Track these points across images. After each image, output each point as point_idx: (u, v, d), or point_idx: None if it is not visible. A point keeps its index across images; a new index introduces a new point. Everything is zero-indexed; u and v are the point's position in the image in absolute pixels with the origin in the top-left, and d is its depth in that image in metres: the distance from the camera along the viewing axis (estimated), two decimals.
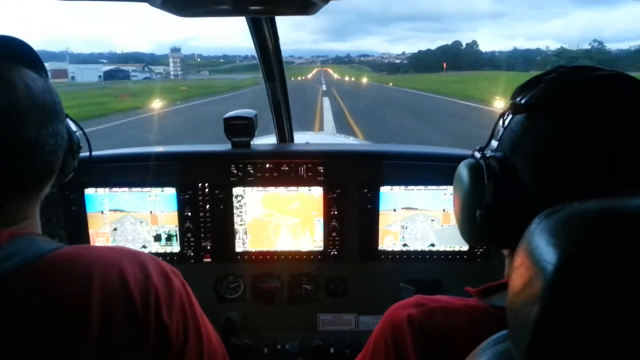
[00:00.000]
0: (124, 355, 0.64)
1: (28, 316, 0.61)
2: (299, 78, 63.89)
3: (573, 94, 0.66)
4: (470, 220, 0.73)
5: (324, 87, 38.64)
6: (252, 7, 1.07)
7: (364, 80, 62.99)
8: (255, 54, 1.76)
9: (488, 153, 0.74)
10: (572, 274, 0.38)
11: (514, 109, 0.71)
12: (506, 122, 0.73)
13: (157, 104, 24.60)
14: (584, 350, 0.38)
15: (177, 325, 0.70)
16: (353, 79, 68.47)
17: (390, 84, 49.82)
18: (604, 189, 0.61)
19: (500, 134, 0.74)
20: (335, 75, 79.36)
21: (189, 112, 21.38)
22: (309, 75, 74.15)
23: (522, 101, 0.70)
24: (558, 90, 0.68)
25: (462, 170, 0.78)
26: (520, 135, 0.69)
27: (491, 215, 0.70)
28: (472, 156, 0.77)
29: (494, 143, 0.75)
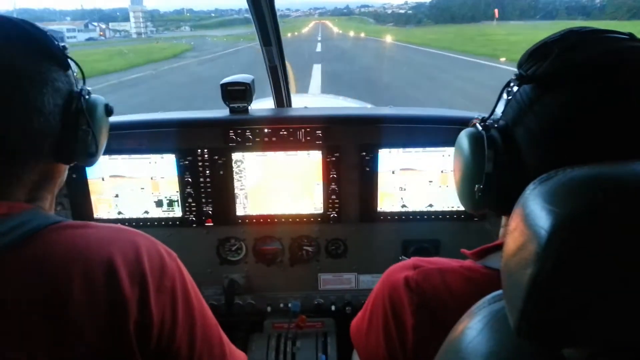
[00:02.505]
0: (106, 332, 0.71)
1: (16, 290, 0.69)
2: (287, 35, 41.87)
3: (585, 70, 0.69)
4: (470, 190, 0.81)
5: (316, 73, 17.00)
6: None
7: (388, 39, 40.50)
8: (249, 10, 1.82)
9: (490, 122, 0.80)
10: (563, 239, 0.44)
11: (521, 80, 0.74)
12: (512, 91, 0.77)
13: None
14: (574, 310, 0.45)
15: (163, 308, 0.77)
16: (363, 34, 48.47)
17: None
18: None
19: (504, 102, 0.79)
20: (336, 29, 60.14)
21: None
22: (304, 30, 57.57)
23: (530, 72, 0.73)
24: (569, 64, 0.70)
25: (463, 139, 0.83)
26: (525, 107, 0.73)
27: (490, 185, 0.76)
28: (474, 125, 0.83)
29: (499, 110, 0.80)
